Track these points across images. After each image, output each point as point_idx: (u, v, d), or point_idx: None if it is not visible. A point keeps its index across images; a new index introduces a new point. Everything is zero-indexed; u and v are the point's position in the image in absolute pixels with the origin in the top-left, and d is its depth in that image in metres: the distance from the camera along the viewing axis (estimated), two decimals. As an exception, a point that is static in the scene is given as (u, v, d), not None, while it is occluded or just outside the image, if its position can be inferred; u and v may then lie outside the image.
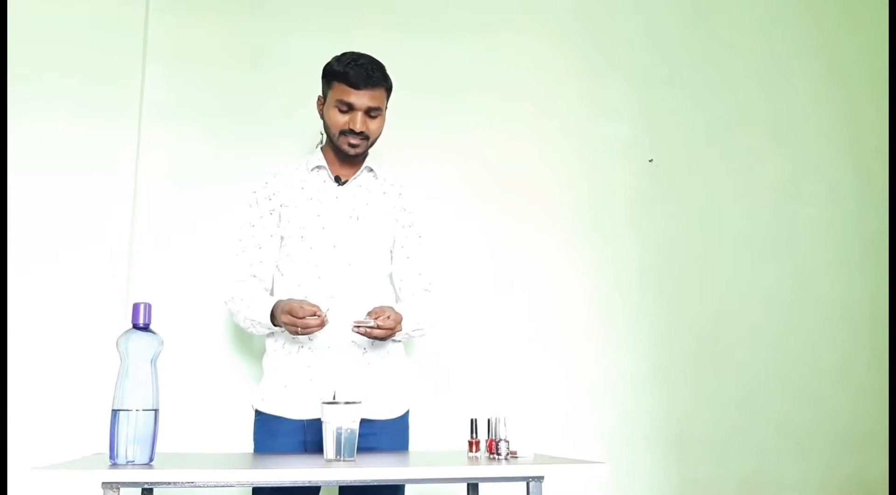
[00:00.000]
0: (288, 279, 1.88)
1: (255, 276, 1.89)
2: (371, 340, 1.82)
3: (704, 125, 2.80)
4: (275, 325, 1.78)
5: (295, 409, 1.79)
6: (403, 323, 1.78)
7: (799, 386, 2.68)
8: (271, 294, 1.91)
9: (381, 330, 1.70)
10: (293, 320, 1.68)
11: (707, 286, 2.69)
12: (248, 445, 1.87)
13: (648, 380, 2.58)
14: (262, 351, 1.93)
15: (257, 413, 1.86)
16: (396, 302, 1.94)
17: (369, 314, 1.71)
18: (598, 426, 2.51)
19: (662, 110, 2.77)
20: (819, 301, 2.76)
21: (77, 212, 2.24)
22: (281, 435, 1.79)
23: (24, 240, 2.18)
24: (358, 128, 1.83)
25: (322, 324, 1.69)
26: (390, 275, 1.97)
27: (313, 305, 1.68)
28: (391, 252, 1.96)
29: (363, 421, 1.72)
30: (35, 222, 2.20)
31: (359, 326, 1.69)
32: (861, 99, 2.94)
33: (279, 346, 1.86)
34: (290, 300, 1.73)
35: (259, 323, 1.81)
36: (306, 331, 1.68)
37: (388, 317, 1.72)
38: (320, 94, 1.92)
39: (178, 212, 2.33)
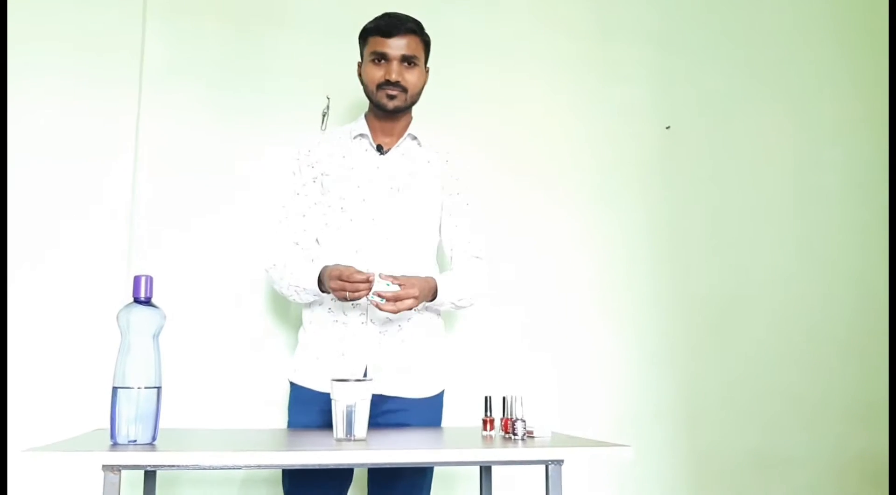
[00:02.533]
0: (326, 250, 1.83)
1: (297, 244, 1.84)
2: (408, 318, 1.79)
3: (722, 92, 2.72)
4: (322, 291, 1.73)
5: (325, 382, 1.74)
6: (442, 293, 1.74)
7: (811, 360, 2.65)
8: None
9: (389, 303, 1.62)
10: (342, 285, 1.62)
11: (721, 257, 2.64)
12: (261, 421, 1.83)
13: (659, 353, 2.54)
14: (269, 325, 1.88)
15: (291, 384, 1.84)
16: (445, 272, 1.89)
17: (387, 277, 1.63)
18: (608, 400, 2.47)
19: (679, 76, 2.69)
20: (834, 273, 2.72)
21: (76, 183, 2.16)
22: (312, 405, 1.76)
23: (22, 212, 2.11)
24: (394, 77, 1.78)
25: (370, 289, 1.62)
26: (437, 246, 1.92)
27: (364, 273, 1.62)
28: (440, 220, 1.91)
29: (396, 399, 1.69)
30: (33, 195, 2.12)
31: (372, 299, 1.62)
32: (880, 67, 2.85)
33: (315, 318, 1.82)
34: (337, 265, 1.67)
35: (305, 289, 1.75)
36: (355, 295, 1.61)
37: (404, 286, 1.64)
38: (359, 60, 1.87)
39: (181, 182, 2.25)
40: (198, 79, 2.30)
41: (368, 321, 1.77)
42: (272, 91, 2.33)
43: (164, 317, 1.35)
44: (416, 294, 1.67)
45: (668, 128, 2.64)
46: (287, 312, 2.21)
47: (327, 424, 1.71)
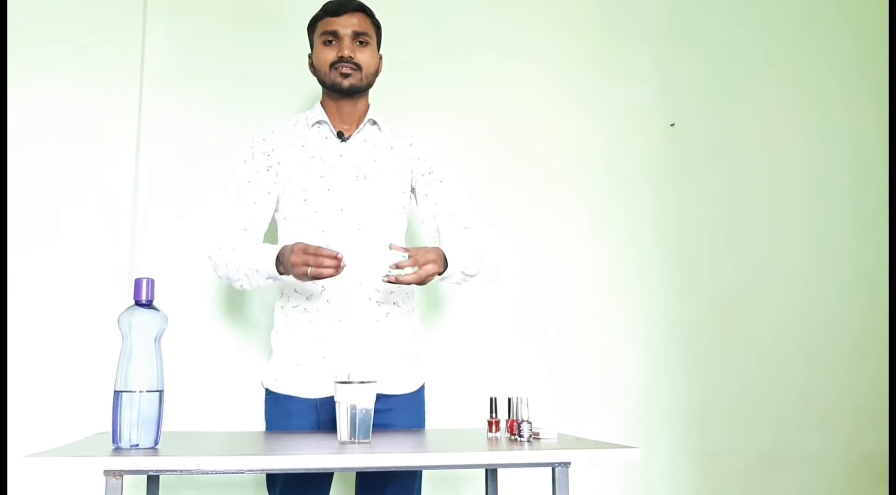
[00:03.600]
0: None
1: (246, 230, 1.75)
2: (386, 312, 1.74)
3: (729, 88, 2.69)
4: (280, 273, 1.62)
5: (308, 388, 1.71)
6: (452, 261, 1.65)
7: (822, 358, 2.62)
8: None
9: (413, 274, 1.55)
10: (306, 258, 1.52)
11: (729, 255, 2.61)
12: (259, 422, 1.81)
13: (667, 352, 2.52)
14: (271, 326, 1.85)
15: (268, 392, 1.78)
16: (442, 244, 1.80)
17: (406, 250, 1.57)
18: (616, 399, 2.45)
19: (684, 72, 2.67)
20: (844, 270, 2.69)
21: (76, 182, 2.15)
22: (294, 415, 1.72)
23: (20, 211, 2.10)
24: (346, 53, 1.74)
25: (337, 271, 1.53)
26: (405, 233, 1.85)
27: (332, 250, 1.54)
28: (415, 205, 1.85)
29: (378, 397, 1.66)
30: (32, 193, 2.11)
31: (388, 275, 1.54)
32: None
33: (289, 320, 1.76)
34: (301, 241, 1.60)
35: (257, 270, 1.64)
36: (318, 271, 1.51)
37: (416, 254, 1.57)
38: (309, 52, 1.83)
39: (182, 180, 2.24)
40: (199, 77, 2.29)
41: (346, 318, 1.71)
42: (274, 91, 2.31)
43: (166, 319, 1.34)
44: (435, 258, 1.61)
45: (672, 125, 2.62)
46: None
47: (310, 431, 1.69)
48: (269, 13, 2.37)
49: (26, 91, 2.14)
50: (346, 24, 1.75)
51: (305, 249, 1.54)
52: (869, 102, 2.80)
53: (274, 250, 1.64)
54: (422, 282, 1.59)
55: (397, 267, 1.55)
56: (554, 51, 2.57)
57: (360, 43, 1.76)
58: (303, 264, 1.53)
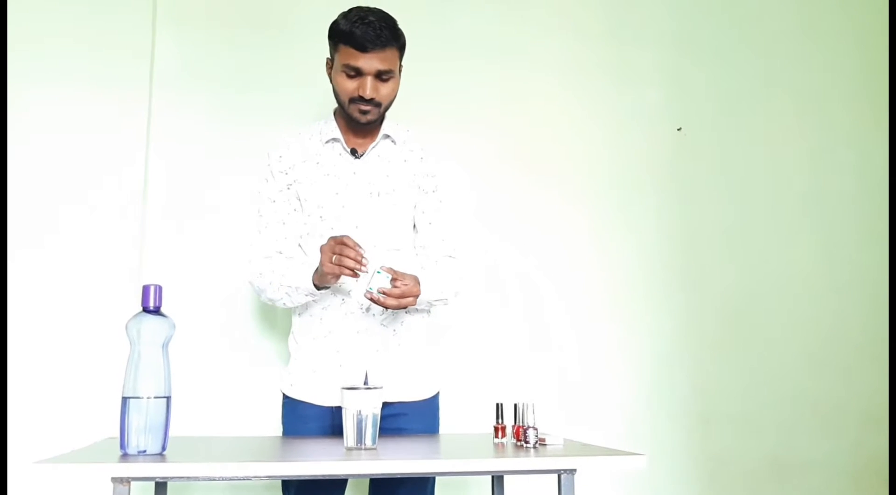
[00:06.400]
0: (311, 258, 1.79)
1: (281, 253, 1.79)
2: (401, 321, 1.76)
3: (734, 93, 2.70)
4: (317, 288, 1.69)
5: (324, 396, 1.73)
6: (423, 290, 1.69)
7: (827, 362, 2.62)
8: None
9: (393, 299, 1.61)
10: (332, 245, 1.59)
11: (735, 260, 2.62)
12: (268, 429, 1.82)
13: (673, 356, 2.52)
14: (281, 333, 1.86)
15: (285, 397, 1.80)
16: (421, 270, 1.83)
17: (389, 271, 1.61)
18: (621, 404, 2.46)
19: (691, 77, 2.67)
20: (850, 274, 2.69)
21: (85, 187, 2.16)
22: (310, 420, 1.74)
23: (27, 215, 2.11)
24: (368, 94, 1.69)
25: (356, 268, 1.57)
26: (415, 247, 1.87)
27: (356, 245, 1.58)
28: (413, 220, 1.86)
29: (394, 404, 1.68)
30: (39, 197, 2.12)
31: (372, 293, 1.59)
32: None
33: (306, 329, 1.79)
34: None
35: (297, 288, 1.70)
36: (340, 260, 1.56)
37: (406, 284, 1.63)
38: (328, 55, 1.79)
39: (191, 184, 2.25)
40: (208, 81, 2.30)
41: (364, 330, 1.74)
42: (284, 94, 2.33)
43: (174, 326, 1.35)
44: (418, 292, 1.67)
45: (679, 129, 2.62)
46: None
47: (325, 436, 1.70)
48: (278, 17, 2.38)
49: (34, 94, 2.15)
50: (371, 65, 1.68)
51: (334, 238, 1.61)
52: (873, 108, 2.79)
53: (310, 266, 1.68)
54: (395, 307, 1.65)
55: (381, 291, 1.61)
56: (561, 55, 2.58)
57: (383, 79, 1.72)
58: (329, 251, 1.60)
